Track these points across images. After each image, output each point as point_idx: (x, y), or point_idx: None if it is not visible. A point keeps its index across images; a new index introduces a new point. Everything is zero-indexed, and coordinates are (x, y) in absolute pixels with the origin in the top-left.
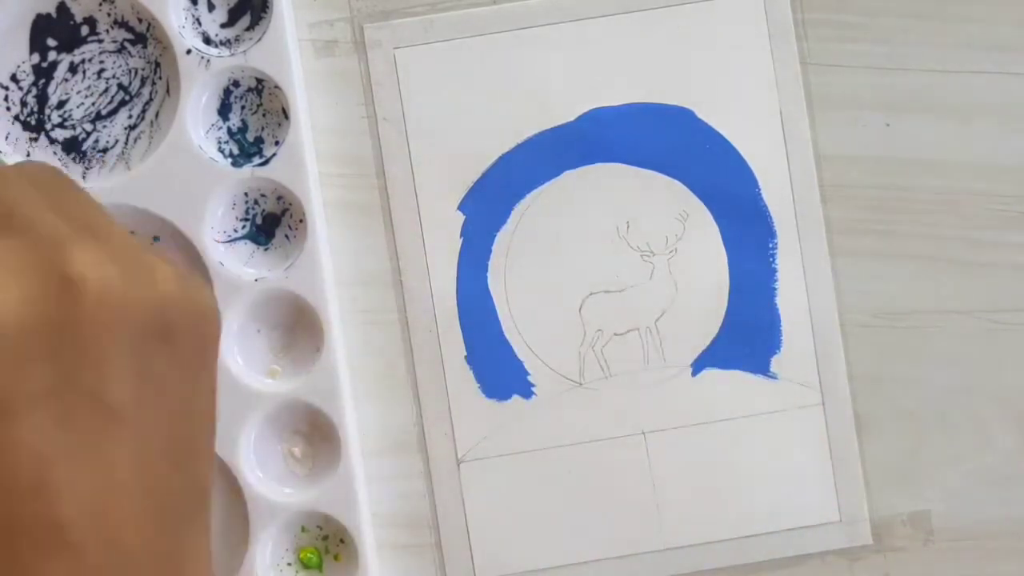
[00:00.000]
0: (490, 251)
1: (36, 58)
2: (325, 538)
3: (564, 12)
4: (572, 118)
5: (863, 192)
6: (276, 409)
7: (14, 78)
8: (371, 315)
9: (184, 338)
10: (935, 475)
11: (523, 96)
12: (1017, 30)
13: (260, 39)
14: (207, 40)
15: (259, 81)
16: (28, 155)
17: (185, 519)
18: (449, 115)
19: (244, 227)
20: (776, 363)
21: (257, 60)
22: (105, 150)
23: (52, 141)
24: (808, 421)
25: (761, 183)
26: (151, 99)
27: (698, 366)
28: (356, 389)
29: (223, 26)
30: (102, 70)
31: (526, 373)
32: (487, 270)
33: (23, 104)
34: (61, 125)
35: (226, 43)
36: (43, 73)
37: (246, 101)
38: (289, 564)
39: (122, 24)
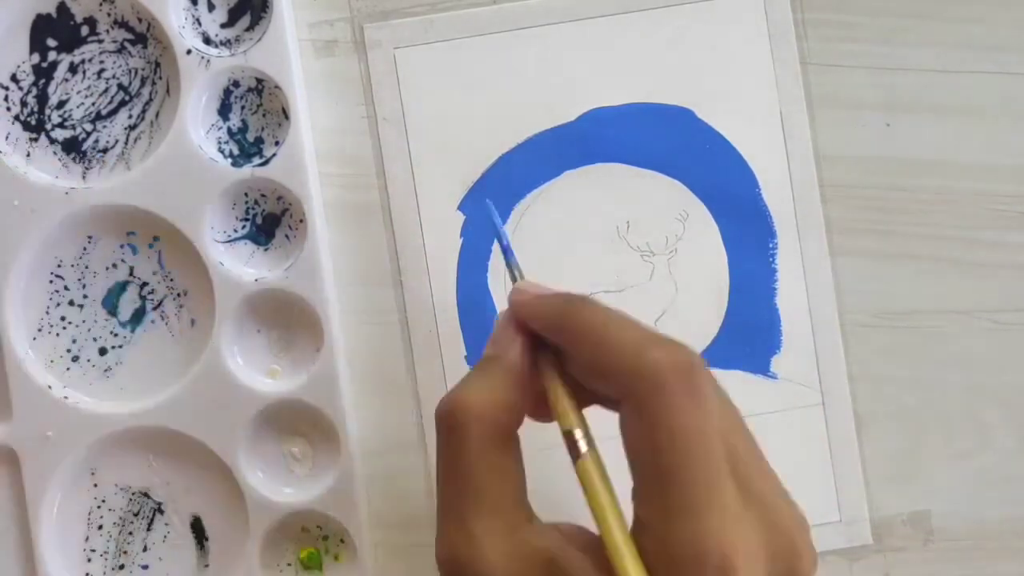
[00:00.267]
0: (490, 251)
1: (36, 58)
2: (325, 538)
3: (564, 12)
4: (572, 118)
5: (863, 192)
6: (276, 409)
7: (14, 78)
8: (371, 315)
9: None
10: (935, 475)
11: (523, 96)
12: (1017, 30)
13: (260, 39)
14: (207, 40)
15: (259, 81)
16: (28, 155)
17: None
18: (449, 115)
19: (244, 227)
20: (776, 363)
21: (257, 60)
22: (105, 150)
23: (52, 141)
24: (808, 421)
25: (761, 183)
26: (151, 99)
27: None
28: (356, 389)
29: (223, 26)
30: (102, 70)
31: None
32: (487, 270)
33: (23, 104)
34: (61, 125)
35: (226, 43)
36: (43, 73)
37: (246, 101)
38: (289, 564)
39: (122, 24)
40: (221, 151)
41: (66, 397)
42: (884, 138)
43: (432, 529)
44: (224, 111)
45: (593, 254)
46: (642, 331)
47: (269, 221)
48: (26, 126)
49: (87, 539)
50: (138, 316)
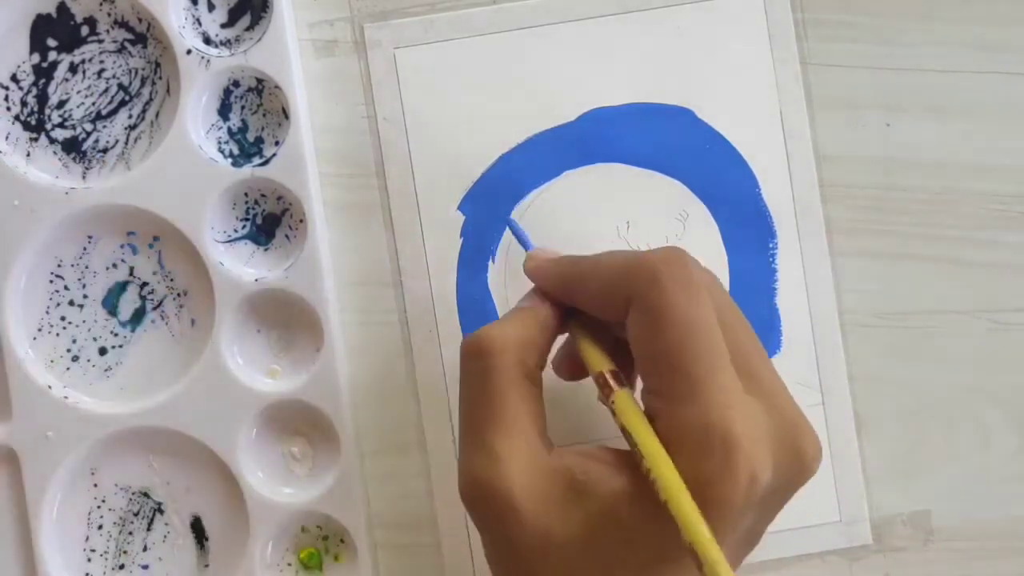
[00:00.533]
0: (490, 251)
1: (36, 58)
2: (325, 538)
3: (564, 12)
4: (572, 118)
5: (863, 192)
6: (276, 409)
7: (14, 78)
8: (371, 315)
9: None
10: (935, 475)
11: (523, 96)
12: (1017, 30)
13: (260, 39)
14: (207, 40)
15: (259, 81)
16: (28, 155)
17: None
18: (449, 115)
19: (244, 227)
20: (776, 363)
21: (257, 60)
22: (105, 150)
23: (52, 141)
24: None
25: (761, 183)
26: (151, 99)
27: None
28: (356, 389)
29: (223, 26)
30: (102, 70)
31: None
32: (487, 270)
33: (23, 104)
34: (61, 125)
35: (226, 43)
36: (43, 73)
37: (246, 101)
38: (289, 564)
39: (122, 24)
40: (221, 151)
41: (66, 397)
42: (884, 138)
43: (432, 529)
44: (224, 111)
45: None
46: (633, 251)
47: (269, 221)
48: (26, 126)
49: (87, 539)
50: (138, 316)
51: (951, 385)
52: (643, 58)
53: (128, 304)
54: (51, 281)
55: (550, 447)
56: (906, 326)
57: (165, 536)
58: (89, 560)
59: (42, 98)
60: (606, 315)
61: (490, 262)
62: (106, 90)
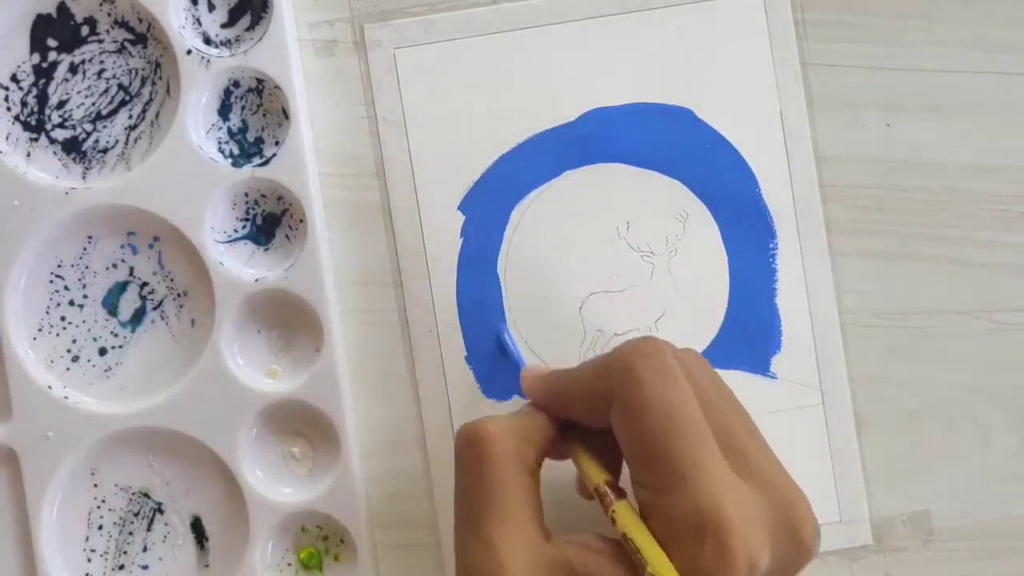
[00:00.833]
0: (492, 251)
1: (36, 58)
2: (325, 538)
3: (564, 12)
4: (572, 118)
5: (863, 192)
6: (276, 409)
7: (14, 78)
8: (371, 315)
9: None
10: (935, 475)
11: (523, 96)
12: (1017, 30)
13: (260, 39)
14: (207, 40)
15: (259, 81)
16: (28, 155)
17: None
18: (449, 115)
19: (244, 227)
20: (776, 363)
21: (257, 60)
22: (105, 150)
23: (52, 141)
24: (808, 421)
25: (761, 183)
26: (151, 99)
27: None
28: (356, 389)
29: (223, 26)
30: (102, 70)
31: None
32: (487, 270)
33: (23, 104)
34: (61, 125)
35: (226, 43)
36: (43, 73)
37: (246, 101)
38: (289, 564)
39: (122, 24)
40: (221, 151)
41: (66, 397)
42: (884, 138)
43: (432, 529)
44: (224, 111)
45: (593, 254)
46: (612, 351)
47: (269, 221)
48: (26, 126)
49: (87, 539)
50: (138, 316)
51: (951, 385)
52: (643, 58)
53: (128, 304)
54: (51, 281)
55: (548, 537)
56: (906, 326)
57: (165, 536)
58: (89, 560)
59: (42, 98)
60: (595, 420)
61: (498, 259)
62: (106, 90)
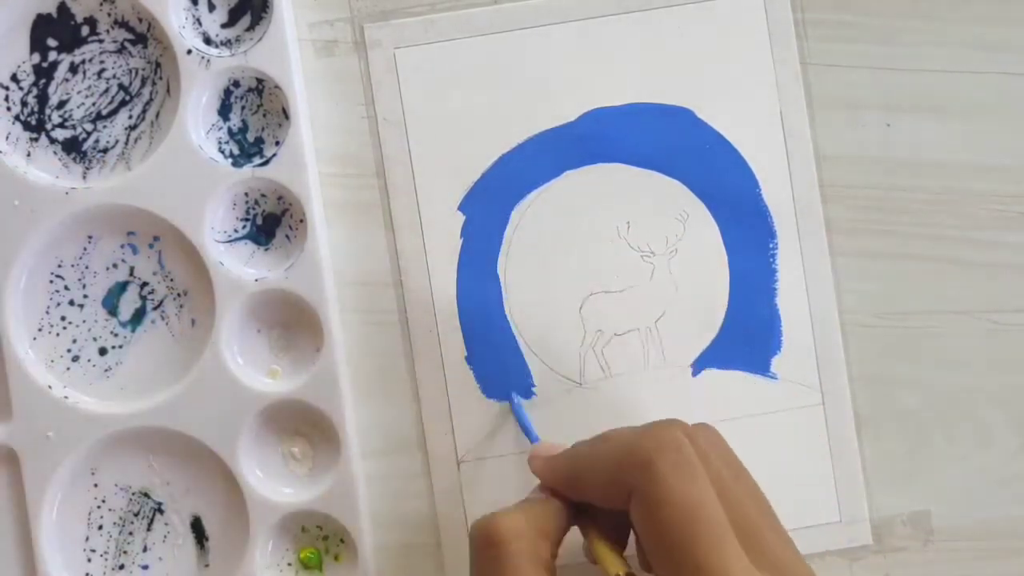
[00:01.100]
0: (492, 251)
1: (36, 58)
2: (325, 538)
3: (564, 12)
4: (572, 118)
5: (863, 192)
6: (276, 409)
7: (14, 78)
8: (371, 315)
9: None
10: (935, 475)
11: (523, 96)
12: (1017, 30)
13: (260, 39)
14: (207, 40)
15: (259, 81)
16: (28, 155)
17: None
18: (449, 115)
19: (244, 227)
20: (776, 363)
21: (257, 60)
22: (105, 150)
23: (52, 141)
24: (808, 421)
25: (761, 183)
26: (151, 99)
27: (698, 366)
28: (356, 389)
29: (223, 26)
30: (102, 70)
31: (526, 373)
32: (487, 270)
33: (24, 104)
34: (61, 125)
35: (226, 43)
36: (43, 73)
37: (246, 101)
38: (289, 564)
39: (122, 24)
40: (221, 151)
41: (66, 397)
42: (884, 138)
43: (432, 529)
44: (224, 111)
45: (593, 254)
46: (627, 432)
47: (269, 221)
48: (26, 126)
49: (87, 539)
50: (138, 316)
51: (951, 385)
52: (643, 58)
53: (128, 304)
54: (51, 281)
55: None
56: (906, 326)
57: (165, 536)
58: (89, 560)
59: (42, 98)
60: (612, 505)
61: (498, 259)
62: (106, 90)
